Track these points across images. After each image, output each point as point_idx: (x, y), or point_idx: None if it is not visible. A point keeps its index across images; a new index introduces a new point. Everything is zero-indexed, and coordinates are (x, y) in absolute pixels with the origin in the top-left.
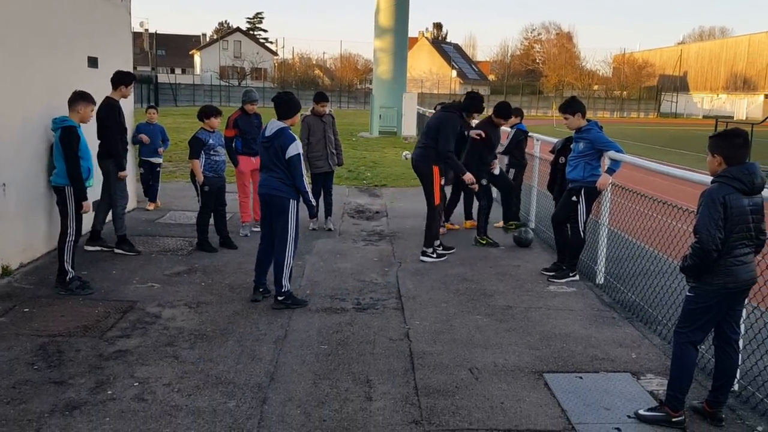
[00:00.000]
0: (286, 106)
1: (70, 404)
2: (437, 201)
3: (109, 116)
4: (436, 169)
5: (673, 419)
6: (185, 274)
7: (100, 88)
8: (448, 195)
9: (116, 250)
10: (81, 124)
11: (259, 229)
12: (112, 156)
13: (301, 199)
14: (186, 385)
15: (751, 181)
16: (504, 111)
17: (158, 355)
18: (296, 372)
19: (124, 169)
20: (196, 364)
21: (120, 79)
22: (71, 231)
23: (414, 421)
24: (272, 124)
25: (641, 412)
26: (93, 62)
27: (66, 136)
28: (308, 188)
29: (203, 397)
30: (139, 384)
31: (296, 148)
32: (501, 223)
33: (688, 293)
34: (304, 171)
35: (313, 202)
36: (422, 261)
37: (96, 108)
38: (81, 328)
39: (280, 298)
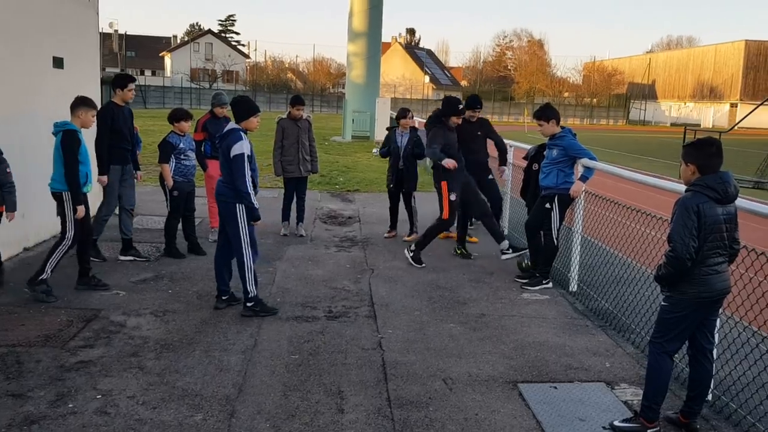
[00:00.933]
0: (239, 107)
1: (29, 418)
2: (446, 215)
3: (101, 120)
4: (444, 185)
5: (649, 430)
6: (152, 281)
7: (66, 89)
8: None
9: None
10: (82, 129)
11: None
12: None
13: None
14: (151, 397)
15: (725, 190)
16: (446, 108)
17: (122, 366)
18: (266, 383)
19: (103, 174)
20: (162, 375)
21: (115, 82)
22: (69, 236)
23: None
24: (228, 125)
25: (616, 423)
26: (58, 62)
27: (67, 140)
28: (250, 190)
29: (169, 410)
30: (101, 396)
31: (241, 147)
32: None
33: (662, 303)
34: (249, 173)
35: (256, 205)
36: (406, 256)
37: (95, 113)
38: (42, 337)
39: (248, 305)
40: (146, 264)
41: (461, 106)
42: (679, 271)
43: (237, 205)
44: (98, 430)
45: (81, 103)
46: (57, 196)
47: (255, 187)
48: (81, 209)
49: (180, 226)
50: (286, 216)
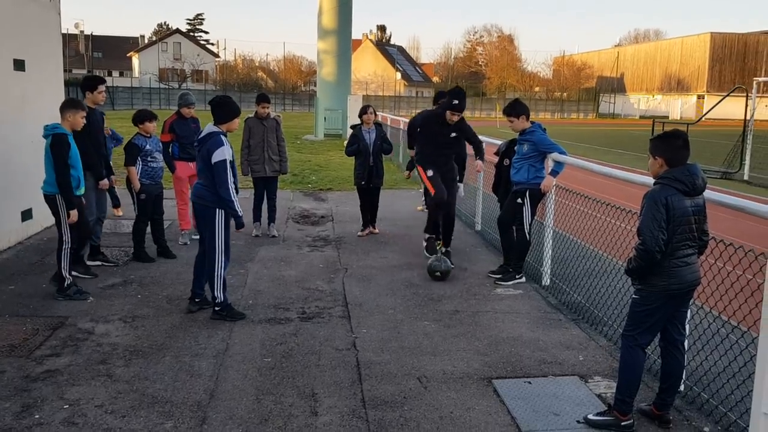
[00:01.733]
0: (220, 109)
1: None
2: (432, 191)
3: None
4: (419, 168)
5: (623, 423)
6: (120, 287)
7: (28, 92)
8: None
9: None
10: (72, 131)
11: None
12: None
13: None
14: (120, 405)
15: (693, 182)
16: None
17: (90, 374)
18: (238, 388)
19: (102, 177)
20: (131, 382)
21: (84, 85)
22: (66, 239)
23: None
24: (207, 128)
25: (590, 417)
26: (19, 65)
27: (56, 144)
28: (234, 198)
29: (138, 418)
30: (69, 406)
31: (222, 153)
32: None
33: (633, 296)
34: (231, 179)
35: (240, 213)
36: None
37: (85, 114)
38: (6, 347)
39: (216, 308)
40: (114, 269)
41: (456, 102)
42: (648, 263)
43: (217, 210)
44: None
45: (68, 105)
46: (50, 199)
47: (236, 192)
48: (74, 213)
49: (148, 229)
50: (257, 216)
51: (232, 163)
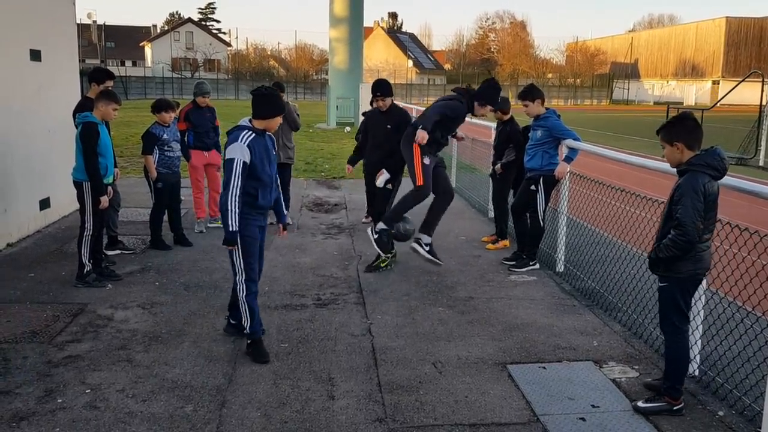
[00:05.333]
0: (258, 102)
1: (18, 415)
2: (419, 181)
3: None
4: (415, 147)
5: (675, 407)
6: (138, 274)
7: (44, 82)
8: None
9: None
10: (104, 121)
11: (215, 225)
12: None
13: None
14: (140, 390)
15: (724, 167)
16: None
17: (111, 359)
18: (256, 372)
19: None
20: (151, 367)
21: (90, 78)
22: (89, 226)
23: (378, 418)
24: (241, 122)
25: (640, 404)
26: (36, 55)
27: (86, 132)
28: (233, 207)
29: (159, 402)
30: (90, 391)
31: (233, 151)
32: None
33: (660, 285)
34: (239, 185)
35: (231, 227)
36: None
37: (118, 107)
38: (28, 333)
39: (247, 340)
40: (132, 256)
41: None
42: (685, 253)
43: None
44: (88, 425)
45: (102, 96)
46: (78, 185)
47: (261, 207)
48: (104, 200)
49: (165, 217)
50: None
51: (256, 168)
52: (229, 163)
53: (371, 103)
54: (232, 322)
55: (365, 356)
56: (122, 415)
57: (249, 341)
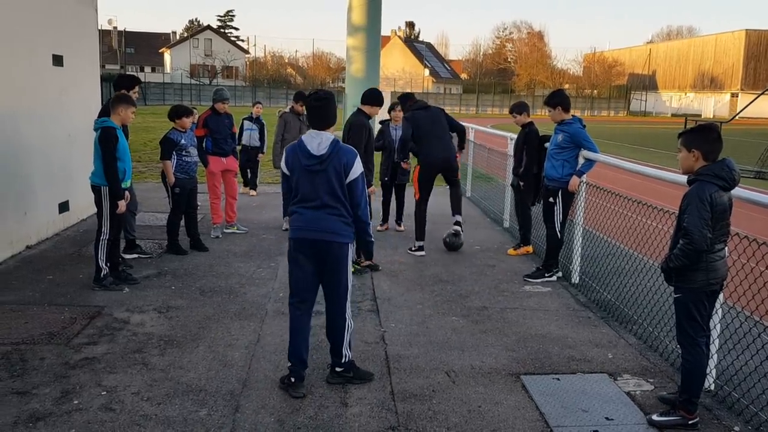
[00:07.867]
0: (322, 111)
1: (34, 415)
2: (416, 195)
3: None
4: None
5: (690, 422)
6: (155, 278)
7: (66, 87)
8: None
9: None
10: (122, 125)
11: (231, 231)
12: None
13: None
14: (155, 393)
15: (732, 177)
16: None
17: (126, 362)
18: (270, 378)
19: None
20: (166, 371)
21: (117, 84)
22: (105, 230)
23: (390, 427)
24: (319, 137)
25: (655, 418)
26: (58, 60)
27: (104, 137)
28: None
29: (173, 405)
30: (106, 393)
31: (360, 165)
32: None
33: (675, 296)
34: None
35: (373, 240)
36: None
37: (135, 110)
38: (46, 335)
39: (338, 370)
40: (149, 261)
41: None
42: (693, 262)
43: (349, 244)
44: (104, 427)
45: (120, 100)
46: (96, 189)
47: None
48: (122, 204)
49: (182, 222)
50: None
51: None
52: (362, 177)
53: (389, 112)
54: (337, 370)
55: (379, 364)
56: (137, 417)
57: (342, 369)
